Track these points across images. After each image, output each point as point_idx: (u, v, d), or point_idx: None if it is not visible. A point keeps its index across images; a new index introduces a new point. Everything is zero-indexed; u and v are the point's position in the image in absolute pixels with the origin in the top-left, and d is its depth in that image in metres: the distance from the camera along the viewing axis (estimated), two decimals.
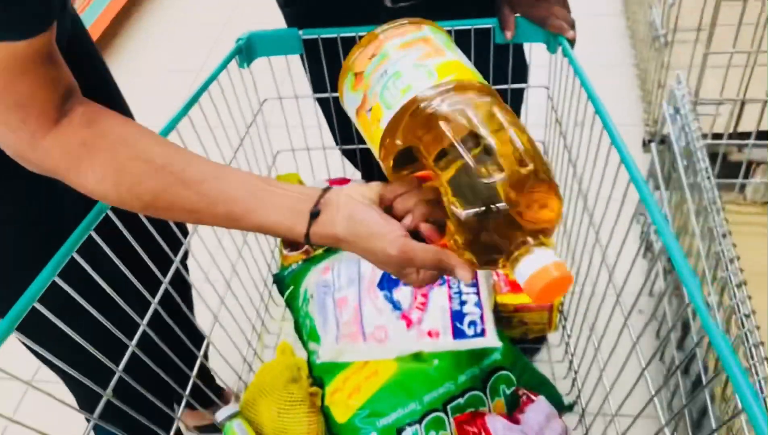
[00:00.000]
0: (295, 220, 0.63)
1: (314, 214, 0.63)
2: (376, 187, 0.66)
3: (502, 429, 0.85)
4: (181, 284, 1.15)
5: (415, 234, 0.64)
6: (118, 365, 0.77)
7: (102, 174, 0.60)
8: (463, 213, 0.57)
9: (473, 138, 0.58)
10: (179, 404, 1.44)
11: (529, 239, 0.57)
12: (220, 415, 0.93)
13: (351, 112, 0.70)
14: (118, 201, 0.62)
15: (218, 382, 1.36)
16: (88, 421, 0.73)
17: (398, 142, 0.63)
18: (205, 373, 1.35)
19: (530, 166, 0.56)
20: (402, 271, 0.64)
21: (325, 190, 0.65)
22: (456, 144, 0.58)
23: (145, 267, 0.84)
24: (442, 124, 0.59)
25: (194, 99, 0.89)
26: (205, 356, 1.26)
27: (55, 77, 0.60)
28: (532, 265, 0.55)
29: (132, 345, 0.80)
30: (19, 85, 0.57)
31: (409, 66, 0.65)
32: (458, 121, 0.59)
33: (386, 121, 0.63)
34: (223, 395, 1.49)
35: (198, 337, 1.03)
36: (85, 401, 0.96)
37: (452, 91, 0.62)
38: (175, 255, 0.92)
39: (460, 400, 0.90)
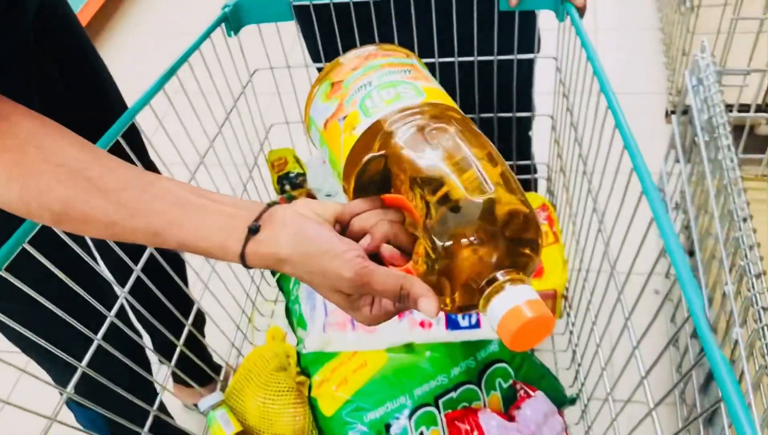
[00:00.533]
0: (228, 236, 0.53)
1: (253, 230, 0.53)
2: (332, 205, 0.57)
3: (496, 427, 0.80)
4: (177, 260, 1.11)
5: (374, 258, 0.55)
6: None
7: (6, 177, 0.52)
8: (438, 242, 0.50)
9: (459, 162, 0.52)
10: (179, 383, 1.43)
11: (499, 275, 0.49)
12: (203, 404, 0.90)
13: (317, 125, 0.64)
14: (24, 210, 0.54)
15: (216, 359, 1.34)
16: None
17: (372, 151, 0.56)
18: (203, 351, 1.32)
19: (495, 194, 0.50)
20: (354, 301, 0.54)
21: (269, 204, 0.56)
22: (442, 167, 0.52)
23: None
24: (428, 139, 0.54)
25: (171, 71, 0.83)
26: (202, 334, 1.23)
27: None
28: (504, 304, 0.47)
29: (111, 316, 0.77)
30: None
31: (397, 80, 0.61)
32: (446, 141, 0.54)
33: (363, 127, 0.57)
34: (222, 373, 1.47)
35: (197, 316, 1.01)
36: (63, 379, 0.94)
37: (443, 111, 0.58)
38: None
39: (453, 395, 0.85)
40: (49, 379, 0.97)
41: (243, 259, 0.53)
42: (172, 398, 1.42)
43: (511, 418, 0.81)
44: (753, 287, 0.89)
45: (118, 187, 0.53)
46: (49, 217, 0.53)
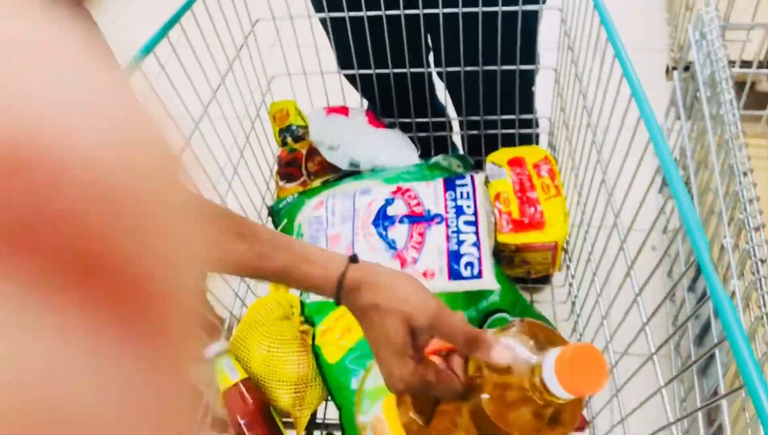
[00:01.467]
0: (330, 259, 0.60)
1: (353, 259, 0.60)
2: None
3: None
4: None
5: None
6: None
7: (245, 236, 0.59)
8: None
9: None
10: None
11: None
12: (209, 352, 0.91)
13: None
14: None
15: (220, 311, 1.35)
16: None
17: None
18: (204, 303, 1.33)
19: None
20: (405, 349, 0.56)
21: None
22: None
23: None
24: None
25: (173, 21, 0.82)
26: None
27: None
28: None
29: None
30: None
31: None
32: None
33: None
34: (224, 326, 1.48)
35: None
36: None
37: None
38: None
39: None
40: None
41: (341, 281, 0.57)
42: None
43: None
44: (751, 240, 0.90)
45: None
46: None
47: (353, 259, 0.59)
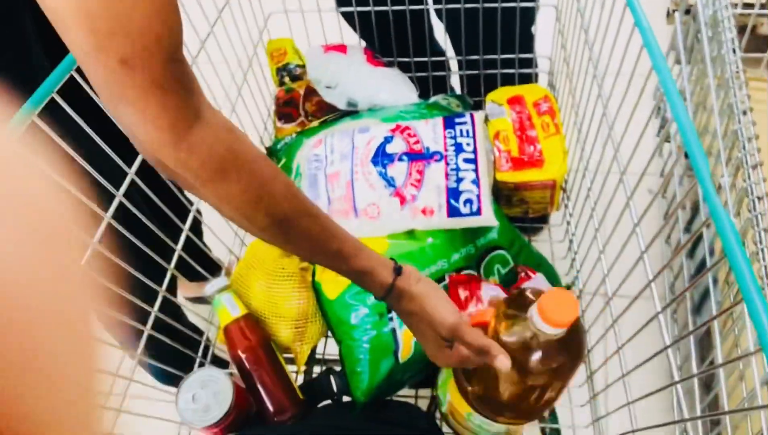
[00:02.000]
0: (384, 270, 0.68)
1: (398, 270, 0.69)
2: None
3: (494, 295, 0.83)
4: None
5: None
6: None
7: (247, 184, 0.56)
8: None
9: None
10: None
11: None
12: (210, 288, 0.92)
13: None
14: (250, 214, 0.59)
15: (220, 253, 1.35)
16: None
17: None
18: (198, 248, 1.34)
19: None
20: (441, 342, 0.69)
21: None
22: None
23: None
24: None
25: None
26: (198, 231, 1.24)
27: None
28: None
29: (119, 194, 0.77)
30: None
31: None
32: None
33: None
34: (221, 271, 1.49)
35: (186, 212, 1.01)
36: None
37: None
38: None
39: None
40: None
41: (389, 290, 0.68)
42: None
43: None
44: (749, 177, 0.90)
45: (320, 214, 0.64)
46: (264, 223, 0.60)
47: (398, 270, 0.69)
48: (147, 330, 0.82)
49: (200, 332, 1.07)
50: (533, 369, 0.65)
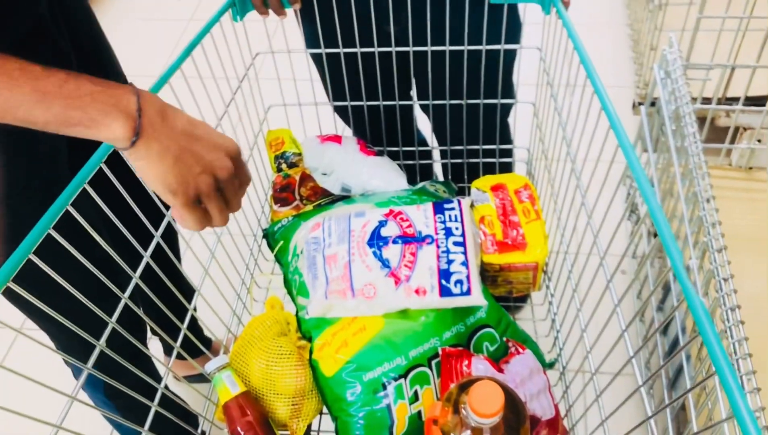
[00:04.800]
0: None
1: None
2: None
3: (484, 371, 0.87)
4: (169, 234, 1.16)
5: None
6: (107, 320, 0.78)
7: None
8: None
9: None
10: (170, 355, 1.47)
11: None
12: (210, 366, 0.95)
13: None
14: None
15: (207, 333, 1.39)
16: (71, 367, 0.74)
17: None
18: (194, 325, 1.37)
19: None
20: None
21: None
22: None
23: (135, 219, 0.84)
24: None
25: (187, 52, 0.88)
26: (194, 308, 1.28)
27: None
28: None
29: (125, 297, 0.81)
30: None
31: None
32: None
33: None
34: (211, 347, 1.52)
35: (187, 289, 1.05)
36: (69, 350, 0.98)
37: None
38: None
39: None
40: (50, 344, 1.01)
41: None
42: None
43: (500, 371, 0.89)
44: (714, 260, 0.98)
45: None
46: None
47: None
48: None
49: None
50: None
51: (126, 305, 0.81)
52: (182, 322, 0.97)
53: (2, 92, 0.57)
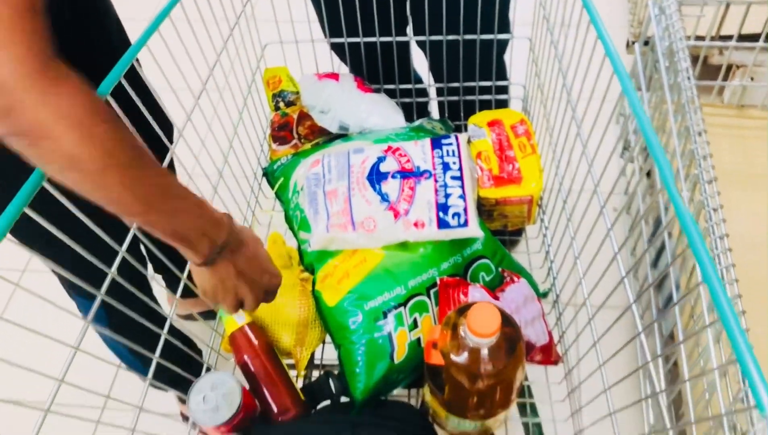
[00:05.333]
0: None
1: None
2: None
3: (480, 298, 0.91)
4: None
5: None
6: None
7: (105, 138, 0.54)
8: None
9: None
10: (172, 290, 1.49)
11: None
12: None
13: None
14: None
15: None
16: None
17: None
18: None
19: None
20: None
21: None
22: None
23: None
24: None
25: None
26: None
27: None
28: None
29: (134, 228, 0.83)
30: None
31: None
32: None
33: None
34: None
35: None
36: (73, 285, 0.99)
37: None
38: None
39: None
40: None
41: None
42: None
43: (496, 298, 0.92)
44: (705, 192, 1.01)
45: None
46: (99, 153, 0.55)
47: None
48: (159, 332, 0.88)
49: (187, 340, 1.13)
50: (481, 374, 0.75)
51: (132, 237, 0.83)
52: (183, 259, 0.99)
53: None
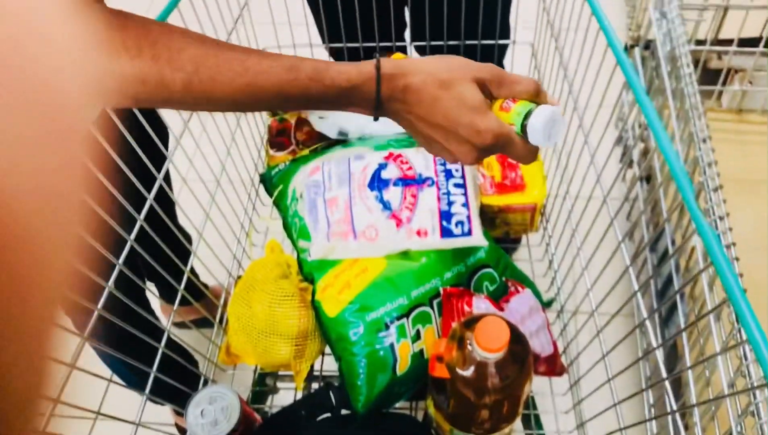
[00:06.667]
0: (360, 66, 0.59)
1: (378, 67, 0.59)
2: None
3: (485, 309, 0.89)
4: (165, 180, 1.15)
5: None
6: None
7: (137, 47, 0.53)
8: None
9: None
10: (168, 301, 1.47)
11: None
12: None
13: None
14: (157, 78, 0.54)
15: (205, 278, 1.39)
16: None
17: None
18: (191, 270, 1.37)
19: None
20: (484, 103, 0.60)
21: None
22: None
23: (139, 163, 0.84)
24: None
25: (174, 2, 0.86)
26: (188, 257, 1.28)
27: None
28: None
29: (130, 240, 0.81)
30: None
31: None
32: None
33: None
34: (209, 291, 1.53)
35: (183, 234, 1.05)
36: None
37: None
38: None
39: None
40: None
41: (378, 70, 0.58)
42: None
43: (501, 309, 0.90)
44: (710, 200, 0.99)
45: (236, 46, 0.58)
46: (181, 80, 0.54)
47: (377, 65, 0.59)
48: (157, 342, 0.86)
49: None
50: (488, 389, 0.73)
51: (130, 250, 0.81)
52: (178, 268, 0.97)
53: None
